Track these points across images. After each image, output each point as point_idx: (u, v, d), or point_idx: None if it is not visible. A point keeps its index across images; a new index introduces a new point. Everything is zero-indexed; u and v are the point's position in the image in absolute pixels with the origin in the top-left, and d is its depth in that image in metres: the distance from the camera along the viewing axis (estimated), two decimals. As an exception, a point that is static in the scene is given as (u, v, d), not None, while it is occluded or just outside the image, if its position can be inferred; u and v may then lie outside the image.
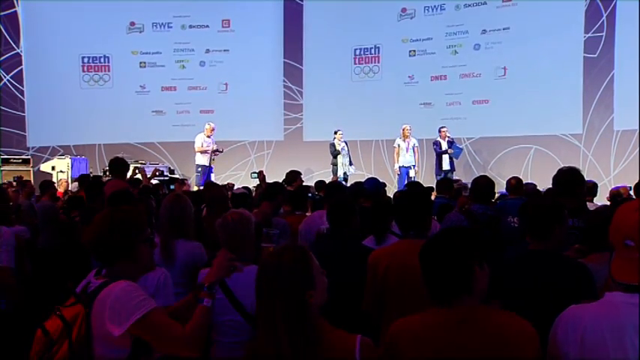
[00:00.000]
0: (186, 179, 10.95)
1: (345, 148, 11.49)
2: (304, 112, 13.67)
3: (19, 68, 13.64)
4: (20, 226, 4.96)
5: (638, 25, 10.39)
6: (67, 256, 4.71)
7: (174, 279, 3.04)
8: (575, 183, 3.81)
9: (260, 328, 1.81)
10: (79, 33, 13.61)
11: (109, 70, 13.88)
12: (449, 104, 12.63)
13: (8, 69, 13.57)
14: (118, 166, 6.41)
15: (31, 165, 11.82)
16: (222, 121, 12.46)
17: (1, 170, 11.17)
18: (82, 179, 8.47)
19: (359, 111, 12.90)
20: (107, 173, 9.56)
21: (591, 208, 4.23)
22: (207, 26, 13.81)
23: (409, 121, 11.61)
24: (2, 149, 12.60)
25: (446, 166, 11.15)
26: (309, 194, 6.11)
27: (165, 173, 11.21)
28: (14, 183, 9.36)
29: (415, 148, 11.44)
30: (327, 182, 7.38)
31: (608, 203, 6.34)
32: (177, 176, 11.28)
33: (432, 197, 6.83)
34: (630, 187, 6.80)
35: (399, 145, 11.44)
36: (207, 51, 13.83)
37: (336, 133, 11.51)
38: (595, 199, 6.58)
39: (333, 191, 4.99)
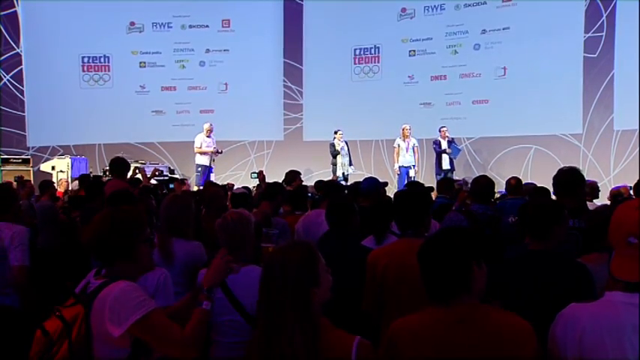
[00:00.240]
0: (186, 179, 10.94)
1: (345, 148, 11.50)
2: (304, 112, 13.68)
3: (19, 68, 13.64)
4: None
5: (638, 25, 10.38)
6: (67, 256, 4.71)
7: (174, 279, 3.04)
8: (575, 183, 3.81)
9: (262, 324, 1.81)
10: (79, 33, 13.61)
11: (108, 70, 13.88)
12: (449, 104, 12.63)
13: (8, 69, 13.56)
14: (119, 166, 6.41)
15: (31, 165, 11.80)
16: (222, 121, 12.46)
17: (1, 170, 11.16)
18: (82, 179, 8.47)
19: (359, 111, 12.90)
20: (107, 173, 9.56)
21: (591, 208, 4.22)
22: (207, 26, 13.82)
23: (409, 121, 11.61)
24: (2, 149, 12.60)
25: (446, 165, 11.16)
26: (309, 194, 6.10)
27: (165, 173, 11.20)
28: (14, 183, 9.35)
29: (415, 148, 11.44)
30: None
31: (609, 203, 6.33)
32: (176, 176, 11.28)
33: (433, 197, 6.84)
34: (630, 187, 6.79)
35: (398, 145, 11.44)
36: (207, 51, 13.83)
37: (336, 133, 11.51)
38: (596, 199, 6.59)
39: (329, 190, 4.98)
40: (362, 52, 13.43)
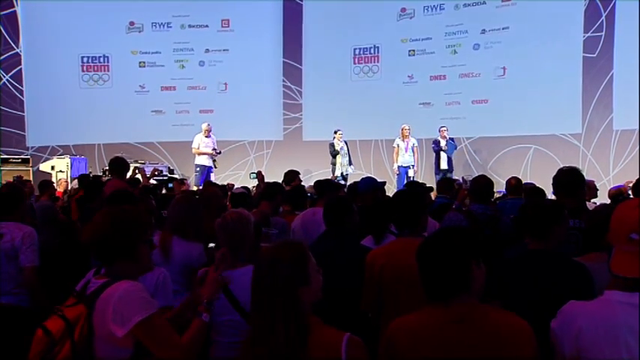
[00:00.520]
0: (185, 179, 10.93)
1: (345, 147, 11.50)
2: (304, 112, 13.68)
3: (19, 68, 13.64)
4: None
5: (638, 25, 10.39)
6: (66, 255, 4.71)
7: (172, 277, 3.06)
8: (575, 183, 3.81)
9: (253, 322, 1.82)
10: (79, 33, 13.61)
11: (108, 70, 13.88)
12: (448, 104, 12.63)
13: (8, 69, 13.57)
14: (118, 165, 6.40)
15: (30, 165, 11.80)
16: (222, 121, 12.47)
17: (1, 170, 11.16)
18: (82, 179, 8.47)
19: (358, 111, 12.90)
20: (107, 173, 9.55)
21: (590, 208, 4.22)
22: (207, 26, 13.82)
23: (408, 120, 11.62)
24: (2, 149, 12.59)
25: (443, 165, 11.17)
26: (308, 194, 6.10)
27: (165, 173, 11.20)
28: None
29: (415, 148, 11.45)
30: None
31: (607, 203, 6.33)
32: (176, 176, 11.27)
33: (433, 197, 6.84)
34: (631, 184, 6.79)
35: (398, 145, 11.45)
36: (207, 51, 13.83)
37: (335, 132, 11.52)
38: (595, 199, 6.59)
39: (324, 189, 4.98)
40: (361, 52, 13.43)
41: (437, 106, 12.72)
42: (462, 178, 10.77)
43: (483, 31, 12.28)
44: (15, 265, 3.58)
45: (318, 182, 5.24)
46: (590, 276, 2.56)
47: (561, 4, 11.57)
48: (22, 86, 13.67)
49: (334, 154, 11.45)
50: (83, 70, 13.85)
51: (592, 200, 6.32)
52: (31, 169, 11.65)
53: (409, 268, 2.03)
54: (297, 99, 13.75)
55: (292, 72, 13.72)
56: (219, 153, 11.64)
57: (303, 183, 7.58)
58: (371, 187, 5.15)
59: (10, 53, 13.58)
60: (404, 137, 11.40)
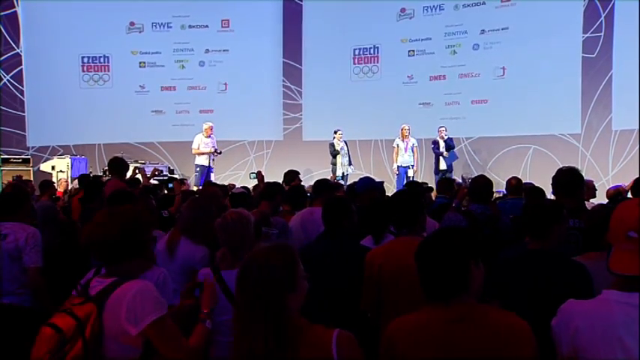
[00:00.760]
0: (185, 179, 10.94)
1: (345, 147, 11.50)
2: (303, 112, 13.68)
3: (19, 68, 13.64)
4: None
5: (638, 26, 10.40)
6: (67, 255, 4.73)
7: (173, 276, 3.09)
8: (575, 183, 3.82)
9: (237, 326, 1.80)
10: (79, 33, 13.61)
11: (108, 70, 13.88)
12: (448, 104, 12.63)
13: (8, 69, 13.57)
14: (118, 165, 6.41)
15: (30, 165, 11.80)
16: (222, 121, 12.46)
17: (1, 170, 11.17)
18: (82, 179, 8.48)
19: (358, 111, 12.91)
20: (107, 173, 9.56)
21: (588, 208, 4.23)
22: (207, 26, 13.82)
23: (408, 120, 11.63)
24: (2, 149, 12.59)
25: (443, 166, 11.19)
26: (308, 194, 6.10)
27: (165, 173, 11.20)
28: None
29: (415, 148, 11.45)
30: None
31: (606, 202, 6.35)
32: (176, 176, 11.27)
33: (433, 197, 6.85)
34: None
35: (397, 145, 11.46)
36: (207, 51, 13.83)
37: (335, 132, 11.52)
38: (593, 199, 6.60)
39: (320, 189, 4.99)
40: (361, 52, 13.43)
41: (436, 106, 12.73)
42: (462, 176, 10.79)
43: (483, 32, 12.29)
44: (19, 266, 3.60)
45: (315, 182, 5.25)
46: (589, 276, 2.57)
47: (560, 4, 11.58)
48: (22, 86, 13.68)
49: (334, 154, 11.45)
50: (83, 70, 13.86)
51: (590, 200, 6.33)
52: (31, 169, 11.65)
53: (407, 267, 2.04)
54: (297, 99, 13.76)
55: (292, 72, 13.73)
56: (220, 153, 11.64)
57: (303, 183, 7.58)
58: (369, 187, 5.16)
59: (11, 53, 13.59)
60: (403, 137, 11.41)
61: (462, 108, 12.47)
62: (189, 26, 13.80)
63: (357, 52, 13.45)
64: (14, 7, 13.59)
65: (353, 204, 3.55)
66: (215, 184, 7.88)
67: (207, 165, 11.30)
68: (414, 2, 12.90)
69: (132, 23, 13.80)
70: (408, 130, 11.38)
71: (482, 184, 4.72)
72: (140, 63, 13.87)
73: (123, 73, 13.77)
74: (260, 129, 13.64)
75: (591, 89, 11.41)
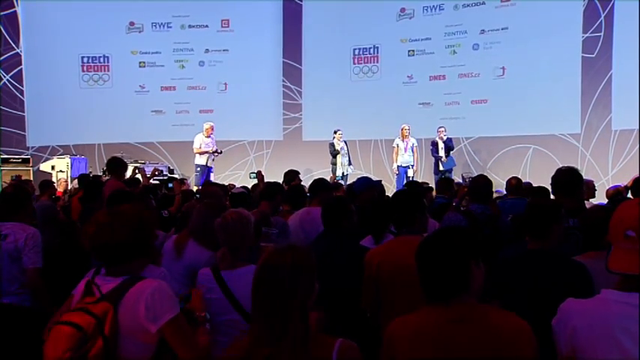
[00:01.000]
0: (185, 179, 10.94)
1: (345, 147, 11.50)
2: (303, 112, 13.68)
3: (19, 68, 13.64)
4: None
5: (638, 26, 10.40)
6: (66, 255, 4.72)
7: (179, 277, 3.11)
8: (574, 183, 3.83)
9: (260, 322, 1.79)
10: (79, 33, 13.61)
11: (108, 70, 13.88)
12: (447, 104, 12.64)
13: (8, 69, 13.57)
14: (116, 166, 6.41)
15: (30, 165, 11.80)
16: (222, 121, 12.46)
17: (1, 170, 11.17)
18: (82, 179, 8.48)
19: (358, 111, 12.91)
20: (106, 173, 9.56)
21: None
22: (207, 26, 13.82)
23: (408, 120, 11.62)
24: (2, 149, 12.59)
25: (442, 166, 11.19)
26: (307, 194, 6.10)
27: (165, 173, 11.20)
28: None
29: (414, 148, 11.45)
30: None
31: (605, 202, 6.35)
32: (176, 176, 11.26)
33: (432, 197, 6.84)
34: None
35: (397, 145, 11.45)
36: (207, 51, 13.83)
37: (335, 132, 11.52)
38: (593, 198, 6.60)
39: (316, 188, 4.99)
40: (361, 52, 13.44)
41: (436, 106, 12.73)
42: (462, 176, 10.79)
43: (483, 32, 12.29)
44: (18, 266, 3.60)
45: (312, 182, 5.25)
46: (590, 275, 2.57)
47: (560, 4, 11.58)
48: (22, 86, 13.67)
49: (334, 153, 11.45)
50: (83, 70, 13.86)
51: (590, 200, 6.33)
52: (31, 169, 11.65)
53: (406, 266, 2.04)
54: (297, 99, 13.76)
55: (292, 72, 13.72)
56: (220, 153, 11.65)
57: (303, 183, 7.58)
58: (367, 186, 5.17)
59: (11, 53, 13.58)
60: (403, 137, 11.40)
61: (461, 108, 12.47)
62: (189, 26, 13.80)
63: (356, 52, 13.45)
64: (14, 7, 13.59)
65: (352, 204, 3.56)
66: (215, 183, 7.87)
67: (207, 165, 11.30)
68: (413, 2, 12.90)
69: (132, 23, 13.80)
70: (408, 130, 11.38)
71: (482, 183, 4.73)
72: (140, 63, 13.87)
73: (123, 73, 13.77)
74: (260, 129, 13.64)
75: (591, 89, 11.41)
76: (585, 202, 5.19)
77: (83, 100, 13.54)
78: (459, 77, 12.52)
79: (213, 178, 11.15)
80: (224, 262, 2.87)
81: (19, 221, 3.72)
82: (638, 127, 10.35)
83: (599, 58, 11.33)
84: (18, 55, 13.65)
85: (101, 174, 10.69)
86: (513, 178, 6.03)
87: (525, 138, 11.81)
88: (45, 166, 11.82)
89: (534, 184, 6.80)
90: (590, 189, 6.44)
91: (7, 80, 13.56)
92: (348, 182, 9.74)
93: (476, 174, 7.61)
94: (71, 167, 11.49)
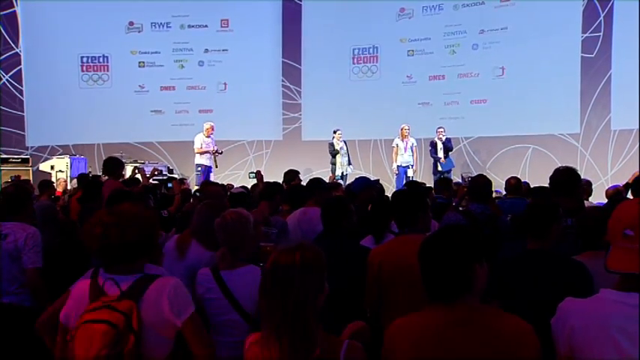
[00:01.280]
0: (185, 178, 10.93)
1: (344, 147, 11.51)
2: (303, 112, 13.69)
3: (18, 68, 13.64)
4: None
5: (637, 25, 10.41)
6: (66, 255, 4.72)
7: (179, 276, 3.09)
8: (572, 183, 3.84)
9: (267, 322, 1.78)
10: (78, 33, 13.60)
11: (107, 70, 13.88)
12: (447, 104, 12.65)
13: (7, 69, 13.56)
14: (113, 166, 6.37)
15: (30, 164, 11.80)
16: (221, 121, 12.45)
17: (1, 170, 11.17)
18: (81, 179, 8.47)
19: (357, 110, 12.92)
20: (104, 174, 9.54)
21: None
22: (206, 26, 13.82)
23: (407, 120, 11.63)
24: (1, 149, 12.60)
25: (440, 167, 11.19)
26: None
27: (164, 173, 11.19)
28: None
29: (414, 148, 11.45)
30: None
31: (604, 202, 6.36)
32: (175, 176, 11.26)
33: (431, 197, 6.84)
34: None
35: (397, 145, 11.45)
36: (206, 51, 13.83)
37: (335, 132, 11.52)
38: (591, 198, 6.61)
39: (312, 188, 4.99)
40: (360, 52, 13.44)
41: (436, 106, 12.74)
42: (462, 176, 10.79)
43: (482, 31, 12.30)
44: (18, 266, 3.60)
45: (308, 181, 5.24)
46: (589, 275, 2.57)
47: (559, 4, 11.59)
48: (21, 86, 13.67)
49: (334, 153, 11.45)
50: (83, 70, 13.85)
51: (589, 199, 6.34)
52: (30, 168, 11.65)
53: (407, 265, 2.04)
54: (297, 99, 13.76)
55: (291, 72, 13.73)
56: (221, 153, 11.64)
57: (302, 183, 7.57)
58: (366, 186, 5.17)
59: (10, 53, 13.58)
60: (403, 137, 11.41)
61: (461, 108, 12.48)
62: (189, 26, 13.80)
63: (356, 51, 13.45)
64: (13, 6, 13.58)
65: (352, 204, 3.56)
66: (215, 183, 7.86)
67: (208, 165, 11.30)
68: (413, 2, 12.91)
69: (131, 23, 13.79)
70: (408, 129, 11.38)
71: (482, 183, 4.73)
72: (139, 63, 13.86)
73: (122, 72, 13.77)
74: (259, 129, 13.64)
75: (590, 89, 11.42)
76: (585, 202, 5.20)
77: (83, 100, 13.54)
78: (458, 77, 12.53)
79: (212, 178, 11.14)
80: (224, 262, 2.87)
81: (20, 221, 3.72)
82: (637, 127, 10.36)
83: (598, 57, 11.34)
84: (17, 54, 13.64)
85: (100, 174, 10.69)
86: (513, 178, 6.04)
87: (525, 138, 11.82)
88: (44, 166, 11.82)
89: (534, 184, 6.81)
90: (587, 188, 6.44)
91: (7, 80, 13.56)
92: (347, 182, 9.73)
93: (475, 174, 7.62)
94: (70, 167, 11.48)
